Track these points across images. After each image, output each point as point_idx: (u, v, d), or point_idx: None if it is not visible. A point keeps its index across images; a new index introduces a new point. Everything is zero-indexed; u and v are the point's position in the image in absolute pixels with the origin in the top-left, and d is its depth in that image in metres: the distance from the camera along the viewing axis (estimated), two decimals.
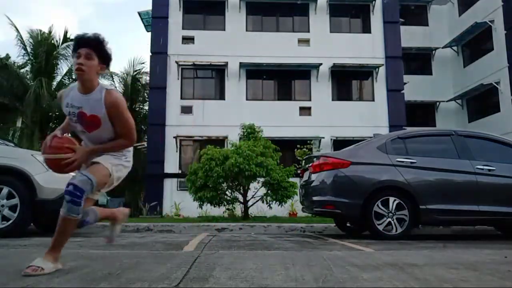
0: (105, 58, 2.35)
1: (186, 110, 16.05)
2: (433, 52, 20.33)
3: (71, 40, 19.87)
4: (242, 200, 9.35)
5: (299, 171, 6.65)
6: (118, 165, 2.45)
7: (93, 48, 2.28)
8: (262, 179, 9.15)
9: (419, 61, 20.51)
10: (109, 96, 2.32)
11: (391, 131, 14.37)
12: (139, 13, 18.27)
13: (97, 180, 2.28)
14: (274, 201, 9.21)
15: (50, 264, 2.18)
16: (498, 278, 2.12)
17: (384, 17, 17.08)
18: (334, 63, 16.32)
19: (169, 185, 15.24)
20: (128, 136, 2.42)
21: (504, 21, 17.26)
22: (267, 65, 16.25)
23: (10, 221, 4.79)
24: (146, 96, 21.10)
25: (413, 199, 5.12)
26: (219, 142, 14.64)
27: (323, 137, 15.63)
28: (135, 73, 22.30)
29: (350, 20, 17.42)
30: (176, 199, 13.99)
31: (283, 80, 16.88)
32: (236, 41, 16.27)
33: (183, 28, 16.70)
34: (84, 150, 2.37)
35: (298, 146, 13.21)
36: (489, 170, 5.30)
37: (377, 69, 16.56)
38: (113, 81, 21.92)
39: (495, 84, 17.46)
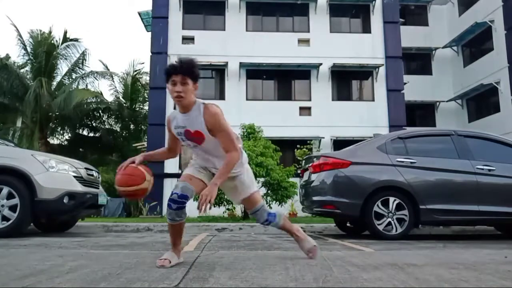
0: (196, 77, 2.47)
1: None
2: (433, 52, 20.33)
3: (71, 40, 19.88)
4: None
5: (299, 171, 6.65)
6: (251, 175, 2.77)
7: (186, 73, 2.40)
8: (262, 179, 9.14)
9: (419, 61, 20.51)
10: (207, 110, 2.46)
11: (391, 131, 14.37)
12: (139, 13, 18.28)
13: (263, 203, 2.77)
14: (274, 201, 9.21)
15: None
16: (498, 278, 2.12)
17: (384, 17, 17.08)
18: (334, 63, 16.31)
19: (169, 185, 15.23)
20: (232, 147, 2.50)
21: (504, 21, 17.26)
22: (267, 65, 16.24)
23: (10, 221, 4.79)
24: (146, 96, 21.09)
25: (413, 199, 5.12)
26: None
27: (323, 137, 15.63)
28: (135, 73, 22.30)
29: (350, 20, 17.43)
30: None
31: (283, 80, 16.87)
32: (236, 41, 16.27)
33: (183, 28, 16.70)
34: (213, 186, 2.42)
35: (298, 146, 13.22)
36: (489, 170, 5.30)
37: (377, 69, 16.56)
38: (113, 81, 21.94)
39: (495, 84, 17.46)
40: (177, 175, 15.18)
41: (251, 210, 2.72)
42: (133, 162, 2.59)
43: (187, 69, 2.41)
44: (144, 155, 2.70)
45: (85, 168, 5.67)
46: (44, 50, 18.64)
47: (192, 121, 2.49)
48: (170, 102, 16.02)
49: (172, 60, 16.11)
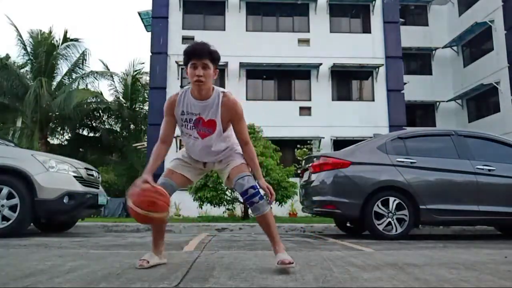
0: (217, 61, 2.34)
1: None
2: (433, 52, 20.33)
3: (71, 40, 19.87)
4: (242, 200, 9.35)
5: (299, 171, 6.65)
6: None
7: (208, 56, 2.27)
8: None
9: (419, 61, 20.52)
10: (227, 99, 2.36)
11: (391, 131, 14.37)
12: (139, 13, 18.28)
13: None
14: (274, 201, 9.20)
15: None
16: (498, 278, 2.12)
17: (384, 17, 17.08)
18: (334, 63, 16.31)
19: None
20: (249, 138, 2.49)
21: (504, 21, 17.27)
22: (267, 65, 16.24)
23: (10, 221, 4.79)
24: (146, 96, 21.10)
25: (413, 199, 5.12)
26: None
27: (323, 137, 15.63)
28: (135, 73, 22.30)
29: (350, 20, 17.43)
30: (176, 199, 13.98)
31: (283, 80, 16.87)
32: (236, 41, 16.26)
33: (183, 28, 16.70)
34: (262, 181, 2.43)
35: (298, 146, 13.22)
36: (489, 170, 5.30)
37: (377, 69, 16.56)
38: (113, 81, 21.95)
39: (495, 84, 17.47)
40: None
41: (238, 176, 2.36)
42: (146, 182, 2.24)
43: (209, 52, 2.27)
44: (151, 171, 2.33)
45: (85, 168, 5.67)
46: (44, 50, 18.65)
47: (208, 110, 2.34)
48: None
49: (172, 60, 16.15)
